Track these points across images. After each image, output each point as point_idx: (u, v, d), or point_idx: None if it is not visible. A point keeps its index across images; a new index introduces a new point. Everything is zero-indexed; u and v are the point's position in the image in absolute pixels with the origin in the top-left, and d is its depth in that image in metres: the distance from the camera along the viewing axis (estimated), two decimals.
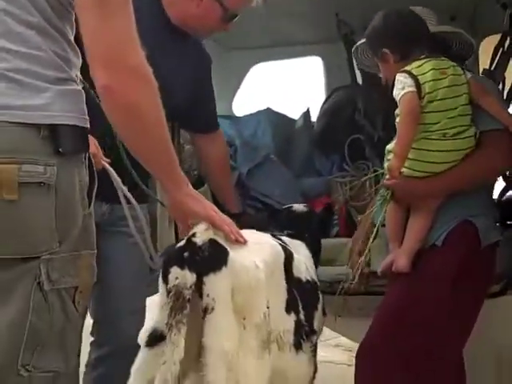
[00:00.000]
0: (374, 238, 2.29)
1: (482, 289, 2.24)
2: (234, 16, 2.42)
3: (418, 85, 2.12)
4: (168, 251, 1.69)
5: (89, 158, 1.52)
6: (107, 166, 1.94)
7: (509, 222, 2.85)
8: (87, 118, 1.48)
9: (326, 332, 2.15)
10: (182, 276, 1.57)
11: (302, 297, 1.93)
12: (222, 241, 1.65)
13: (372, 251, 2.34)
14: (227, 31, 2.48)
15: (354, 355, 2.27)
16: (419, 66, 2.17)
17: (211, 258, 1.60)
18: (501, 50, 3.16)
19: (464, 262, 2.16)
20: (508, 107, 3.04)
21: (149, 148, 1.54)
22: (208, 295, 1.57)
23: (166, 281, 1.60)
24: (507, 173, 2.71)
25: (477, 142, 2.19)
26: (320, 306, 2.09)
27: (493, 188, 2.47)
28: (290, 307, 1.86)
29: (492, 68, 3.17)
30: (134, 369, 1.66)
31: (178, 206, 1.70)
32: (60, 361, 1.46)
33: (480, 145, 2.19)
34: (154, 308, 1.70)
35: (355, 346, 2.36)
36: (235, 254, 1.64)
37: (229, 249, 1.64)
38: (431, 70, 2.15)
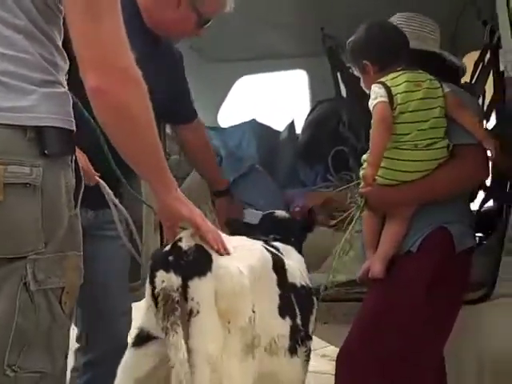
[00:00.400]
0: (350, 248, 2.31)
1: (457, 295, 2.26)
2: (208, 21, 2.46)
3: (390, 95, 2.16)
4: (154, 255, 1.72)
5: (75, 161, 1.53)
6: (101, 181, 1.98)
7: (490, 232, 2.88)
8: (73, 120, 1.48)
9: (314, 341, 2.16)
10: (167, 279, 1.59)
11: (297, 302, 1.94)
12: (207, 246, 1.67)
13: (352, 259, 2.36)
14: (199, 36, 2.53)
15: None
16: (394, 78, 2.20)
17: (196, 263, 1.62)
18: (481, 64, 3.22)
19: (439, 268, 2.19)
20: (488, 120, 3.09)
21: (139, 150, 1.54)
22: (193, 299, 1.58)
23: (152, 283, 1.62)
24: (488, 183, 2.73)
25: (450, 154, 2.22)
26: (315, 311, 2.09)
27: (472, 196, 2.49)
28: (285, 312, 1.87)
29: (473, 82, 3.23)
30: (120, 368, 1.67)
31: (167, 209, 1.71)
32: (46, 362, 1.46)
33: (453, 156, 2.22)
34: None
35: None
36: (220, 260, 1.66)
37: (214, 254, 1.66)
38: (405, 81, 2.19)
